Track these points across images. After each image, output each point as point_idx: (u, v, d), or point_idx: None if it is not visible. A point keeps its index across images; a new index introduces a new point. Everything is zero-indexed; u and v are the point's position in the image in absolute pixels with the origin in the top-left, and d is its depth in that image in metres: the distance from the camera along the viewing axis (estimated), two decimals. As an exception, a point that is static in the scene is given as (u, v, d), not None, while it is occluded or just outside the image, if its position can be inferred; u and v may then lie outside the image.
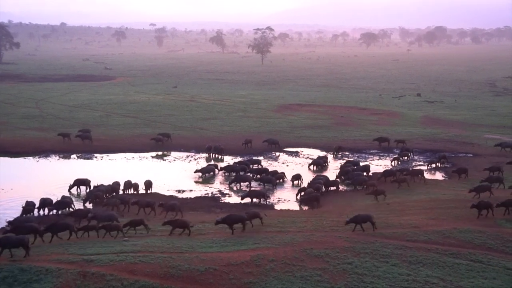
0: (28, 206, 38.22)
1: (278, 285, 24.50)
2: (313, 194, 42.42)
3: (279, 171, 50.60)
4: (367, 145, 63.63)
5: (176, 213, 38.48)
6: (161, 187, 46.64)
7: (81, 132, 63.76)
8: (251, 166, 52.85)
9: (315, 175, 49.55)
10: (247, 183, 47.75)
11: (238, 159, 56.79)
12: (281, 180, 48.98)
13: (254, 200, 42.55)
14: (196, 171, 50.13)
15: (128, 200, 40.53)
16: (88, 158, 57.28)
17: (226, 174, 50.99)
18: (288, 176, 49.49)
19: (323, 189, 45.15)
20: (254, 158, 55.97)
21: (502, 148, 60.35)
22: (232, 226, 31.70)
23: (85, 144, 61.27)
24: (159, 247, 28.26)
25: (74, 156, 58.02)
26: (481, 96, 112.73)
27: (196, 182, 49.03)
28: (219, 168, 51.80)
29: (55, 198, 40.62)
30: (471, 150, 60.72)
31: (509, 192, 41.88)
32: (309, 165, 54.13)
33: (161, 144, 61.93)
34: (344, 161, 55.43)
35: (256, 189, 45.45)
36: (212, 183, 48.89)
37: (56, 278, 24.25)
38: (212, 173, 50.59)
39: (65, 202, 39.74)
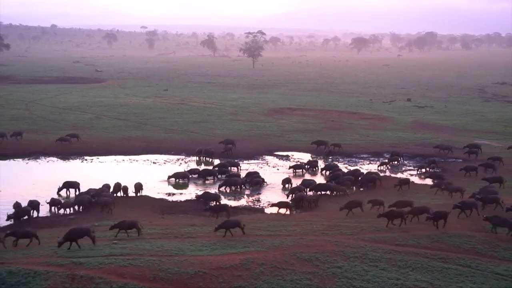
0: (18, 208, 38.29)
1: (268, 289, 24.49)
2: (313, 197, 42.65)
3: (261, 175, 50.38)
4: (358, 149, 63.81)
5: (109, 209, 39.52)
6: (151, 190, 46.53)
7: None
8: (229, 168, 53.20)
9: (302, 179, 49.48)
10: (236, 186, 47.65)
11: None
12: (262, 184, 48.57)
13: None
14: (169, 177, 49.31)
15: (86, 201, 40.57)
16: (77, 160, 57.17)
17: (208, 178, 50.67)
18: (279, 180, 49.55)
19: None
20: (233, 160, 55.85)
21: (440, 150, 61.99)
22: (76, 241, 28.74)
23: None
24: (149, 250, 28.18)
25: (64, 158, 57.71)
26: (470, 101, 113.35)
27: (186, 185, 48.93)
28: (200, 172, 51.20)
29: (43, 200, 40.53)
30: (460, 155, 60.95)
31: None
32: (289, 167, 54.06)
33: (68, 144, 61.68)
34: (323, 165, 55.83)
35: (211, 191, 45.30)
36: (203, 186, 48.77)
37: (45, 281, 24.12)
38: (186, 179, 49.65)
39: (24, 210, 37.78)
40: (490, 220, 33.23)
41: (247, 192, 47.07)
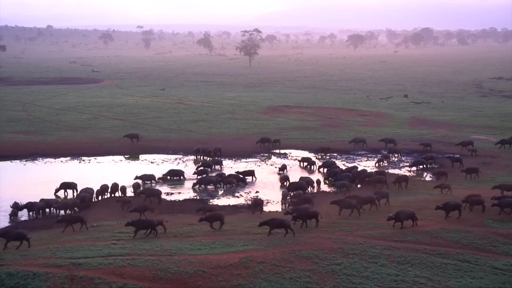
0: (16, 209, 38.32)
1: (267, 287, 24.49)
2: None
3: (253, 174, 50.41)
4: (355, 146, 63.79)
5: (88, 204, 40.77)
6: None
7: None
8: (213, 167, 53.56)
9: (299, 177, 49.39)
10: (210, 185, 47.49)
11: (226, 160, 56.87)
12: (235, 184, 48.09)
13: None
14: (136, 177, 48.05)
15: (51, 204, 40.49)
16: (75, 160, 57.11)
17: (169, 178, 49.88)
18: (276, 178, 49.87)
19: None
20: (217, 159, 55.90)
21: (355, 144, 62.99)
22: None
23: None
24: (148, 250, 28.18)
25: (61, 159, 57.66)
26: (467, 97, 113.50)
27: (184, 184, 48.88)
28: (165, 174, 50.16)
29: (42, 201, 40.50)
30: (457, 151, 61.02)
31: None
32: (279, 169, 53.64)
33: None
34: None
35: (151, 188, 45.44)
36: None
37: (44, 282, 24.10)
38: (152, 180, 48.51)
39: None
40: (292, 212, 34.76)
41: (245, 190, 47.04)
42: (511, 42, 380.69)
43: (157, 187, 47.20)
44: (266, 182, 49.47)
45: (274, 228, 31.48)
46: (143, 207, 38.65)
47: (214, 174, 50.29)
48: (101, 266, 25.56)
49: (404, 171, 53.78)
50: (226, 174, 49.77)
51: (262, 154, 60.63)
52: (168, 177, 49.77)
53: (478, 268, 27.02)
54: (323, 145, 62.46)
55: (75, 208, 40.39)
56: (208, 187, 47.27)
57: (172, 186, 48.07)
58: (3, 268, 25.30)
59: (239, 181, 48.72)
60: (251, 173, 50.39)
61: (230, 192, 46.48)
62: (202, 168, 51.82)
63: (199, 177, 48.90)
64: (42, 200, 40.42)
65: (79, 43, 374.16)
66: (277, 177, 50.50)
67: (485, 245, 29.94)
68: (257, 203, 40.63)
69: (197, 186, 47.23)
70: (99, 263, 25.92)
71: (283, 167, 52.87)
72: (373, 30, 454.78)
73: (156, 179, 48.84)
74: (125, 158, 58.81)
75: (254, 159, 58.62)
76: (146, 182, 48.34)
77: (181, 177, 50.13)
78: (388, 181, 46.47)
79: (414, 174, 52.90)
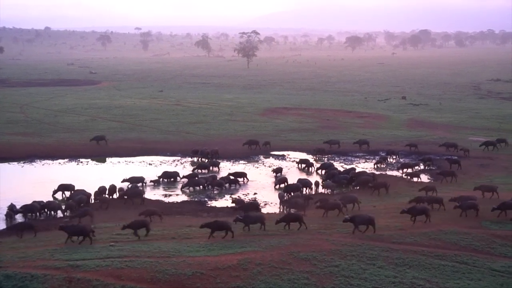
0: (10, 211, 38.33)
1: (265, 289, 24.50)
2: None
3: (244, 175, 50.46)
4: (353, 148, 63.83)
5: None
6: (147, 192, 46.42)
7: None
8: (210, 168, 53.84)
9: (297, 178, 49.31)
10: (199, 186, 47.50)
11: (224, 162, 56.93)
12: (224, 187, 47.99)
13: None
14: (124, 180, 47.68)
15: (45, 206, 40.29)
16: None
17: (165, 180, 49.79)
18: (273, 180, 49.84)
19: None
20: (214, 160, 56.00)
21: (330, 146, 63.12)
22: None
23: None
24: (146, 252, 28.15)
25: (59, 161, 57.60)
26: (465, 98, 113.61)
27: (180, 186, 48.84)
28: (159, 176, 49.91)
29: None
30: (455, 153, 61.06)
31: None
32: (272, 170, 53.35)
33: None
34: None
35: (134, 188, 45.26)
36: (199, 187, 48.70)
37: (42, 284, 24.07)
38: (140, 183, 47.92)
39: None
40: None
41: (244, 192, 47.04)
42: (509, 44, 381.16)
43: (157, 189, 47.30)
44: (265, 184, 49.50)
45: (216, 230, 31.40)
46: (82, 213, 37.90)
47: (207, 176, 50.27)
48: (99, 268, 25.54)
49: (402, 172, 53.77)
50: (218, 176, 49.85)
51: (260, 156, 60.63)
52: (162, 179, 49.63)
53: (476, 270, 27.05)
54: (319, 146, 62.50)
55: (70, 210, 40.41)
56: (198, 188, 47.28)
57: (171, 188, 48.06)
58: (0, 270, 25.25)
59: (232, 183, 48.81)
60: (243, 174, 50.42)
61: (228, 193, 46.49)
62: (192, 172, 51.74)
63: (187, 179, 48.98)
64: (34, 202, 40.26)
65: (77, 45, 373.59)
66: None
67: (483, 247, 29.98)
68: (239, 203, 41.00)
69: (186, 188, 47.23)
70: (97, 265, 25.90)
71: (278, 170, 52.62)
72: (371, 32, 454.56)
73: (145, 181, 48.58)
74: (123, 159, 58.74)
75: (252, 161, 58.60)
76: (135, 183, 47.80)
77: (177, 179, 50.10)
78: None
79: (409, 177, 52.67)
